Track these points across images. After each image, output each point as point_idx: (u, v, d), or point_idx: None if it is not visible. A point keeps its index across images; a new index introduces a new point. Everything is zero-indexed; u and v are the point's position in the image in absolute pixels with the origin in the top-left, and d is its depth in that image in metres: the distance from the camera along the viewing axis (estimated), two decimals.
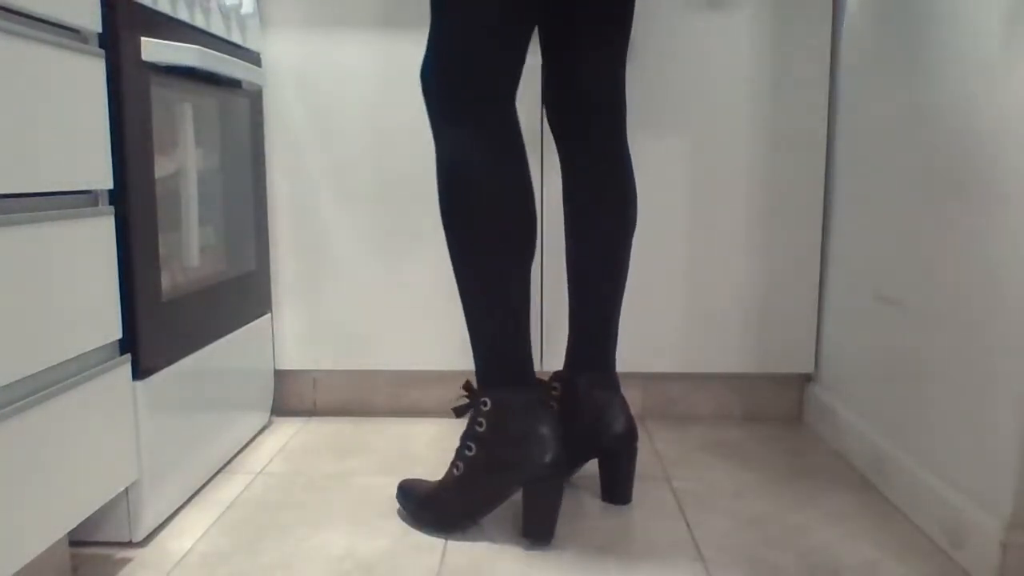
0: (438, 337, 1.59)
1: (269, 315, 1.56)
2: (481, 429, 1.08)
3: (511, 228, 1.07)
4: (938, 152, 1.13)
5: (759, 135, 1.53)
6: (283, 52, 1.52)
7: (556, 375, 1.24)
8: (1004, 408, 0.97)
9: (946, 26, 1.11)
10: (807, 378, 1.63)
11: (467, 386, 1.13)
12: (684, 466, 1.37)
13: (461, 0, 1.05)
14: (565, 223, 1.24)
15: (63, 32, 0.91)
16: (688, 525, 1.15)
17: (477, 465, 1.09)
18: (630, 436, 1.18)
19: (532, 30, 1.10)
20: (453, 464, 1.12)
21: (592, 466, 1.29)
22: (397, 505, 1.21)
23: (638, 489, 1.27)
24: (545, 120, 1.52)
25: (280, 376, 1.64)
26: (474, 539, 1.11)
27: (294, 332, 1.59)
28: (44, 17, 0.86)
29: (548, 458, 1.05)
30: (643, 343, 1.58)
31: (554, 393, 1.23)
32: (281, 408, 1.65)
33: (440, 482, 1.14)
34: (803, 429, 1.57)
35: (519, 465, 1.06)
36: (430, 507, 1.13)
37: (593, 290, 1.22)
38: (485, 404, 1.08)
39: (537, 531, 1.08)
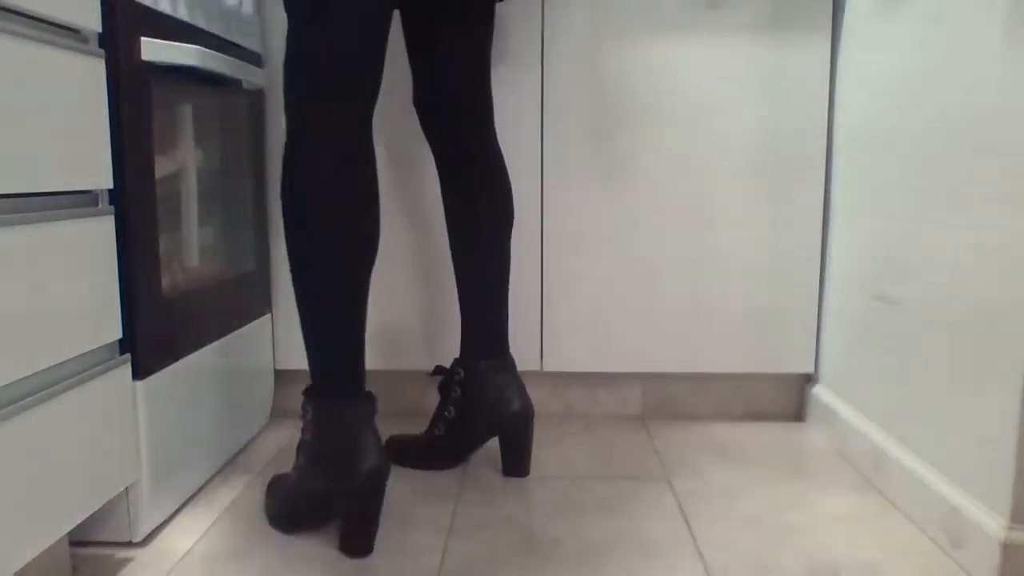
0: (437, 336, 1.59)
1: (269, 315, 1.56)
2: (306, 436, 1.07)
3: (356, 238, 1.05)
4: (938, 152, 1.13)
5: (759, 135, 1.53)
6: (283, 52, 1.52)
7: (457, 361, 1.31)
8: (1004, 408, 0.97)
9: (947, 24, 1.11)
10: (807, 378, 1.63)
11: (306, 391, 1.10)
12: (684, 466, 1.37)
13: (325, 6, 1.02)
14: (446, 219, 1.31)
15: (63, 32, 0.91)
16: (688, 525, 1.15)
17: (304, 474, 1.07)
18: (527, 415, 1.28)
19: (387, 38, 1.08)
20: (294, 467, 1.10)
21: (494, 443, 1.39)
22: (396, 505, 1.21)
23: (638, 489, 1.27)
24: (545, 124, 1.52)
25: (280, 376, 1.64)
26: (474, 540, 1.11)
27: (294, 332, 1.59)
28: (44, 17, 0.86)
29: (367, 467, 1.02)
30: (643, 343, 1.58)
31: (458, 378, 1.30)
32: (281, 408, 1.65)
33: (291, 480, 1.12)
34: (803, 429, 1.57)
35: (339, 477, 1.03)
36: (279, 503, 1.13)
37: (479, 284, 1.30)
38: (307, 413, 1.07)
39: (353, 546, 1.05)
